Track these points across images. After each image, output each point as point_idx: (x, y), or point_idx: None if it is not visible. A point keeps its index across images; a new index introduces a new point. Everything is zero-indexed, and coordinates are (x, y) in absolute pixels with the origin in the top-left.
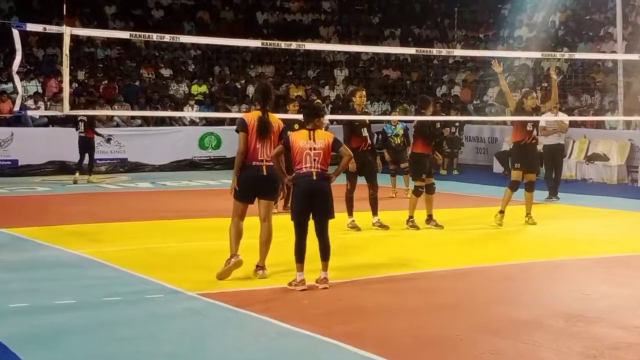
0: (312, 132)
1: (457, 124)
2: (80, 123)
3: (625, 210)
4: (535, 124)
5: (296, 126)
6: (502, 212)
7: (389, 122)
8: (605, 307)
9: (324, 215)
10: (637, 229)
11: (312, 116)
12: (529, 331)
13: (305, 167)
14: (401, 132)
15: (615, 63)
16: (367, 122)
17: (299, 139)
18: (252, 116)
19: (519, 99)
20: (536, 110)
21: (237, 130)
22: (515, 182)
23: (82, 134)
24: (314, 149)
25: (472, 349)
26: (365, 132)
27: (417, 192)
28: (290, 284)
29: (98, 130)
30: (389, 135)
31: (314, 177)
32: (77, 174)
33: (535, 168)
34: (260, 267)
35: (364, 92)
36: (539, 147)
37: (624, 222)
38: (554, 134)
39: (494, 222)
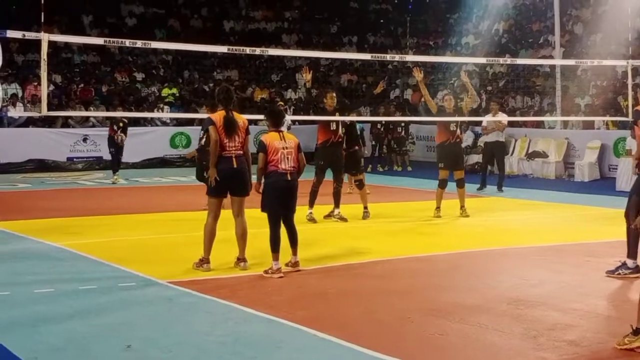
0: (281, 133)
1: (402, 124)
2: (117, 125)
3: (562, 203)
4: (458, 123)
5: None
6: (438, 208)
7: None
8: (544, 292)
9: (293, 210)
10: (573, 220)
11: (280, 119)
12: (474, 314)
13: (282, 167)
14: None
15: (554, 68)
16: (337, 115)
17: (272, 139)
18: (218, 115)
19: (440, 103)
20: (457, 111)
21: (206, 128)
22: (443, 180)
23: (116, 135)
24: (286, 148)
25: (422, 330)
26: (334, 126)
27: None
28: (266, 272)
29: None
30: None
31: (289, 177)
32: (115, 176)
33: (461, 165)
34: (241, 259)
35: (334, 94)
36: (481, 144)
37: (561, 214)
38: (492, 132)
39: (433, 216)
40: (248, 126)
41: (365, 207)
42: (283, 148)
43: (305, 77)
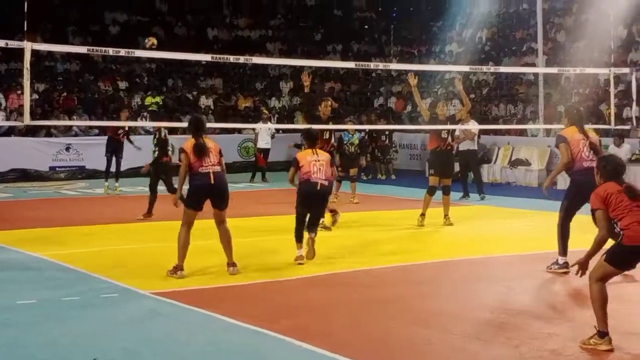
0: (314, 150)
1: (386, 132)
2: (123, 128)
3: (545, 211)
4: (450, 131)
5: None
6: (422, 214)
7: (347, 130)
8: (527, 300)
9: (317, 215)
10: (556, 228)
11: (316, 141)
12: (458, 323)
13: (314, 177)
14: (357, 141)
15: (537, 76)
16: (330, 124)
17: (305, 155)
18: (189, 144)
19: (431, 110)
20: (450, 119)
21: (179, 158)
22: (432, 187)
23: (115, 136)
24: (318, 160)
25: (407, 339)
26: (327, 135)
27: None
28: (296, 260)
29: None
30: (345, 142)
31: (318, 187)
32: (107, 185)
33: (450, 173)
34: (230, 264)
35: (329, 102)
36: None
37: (544, 222)
38: (464, 141)
39: (417, 224)
40: (220, 149)
41: (332, 210)
42: (315, 160)
43: (305, 82)
